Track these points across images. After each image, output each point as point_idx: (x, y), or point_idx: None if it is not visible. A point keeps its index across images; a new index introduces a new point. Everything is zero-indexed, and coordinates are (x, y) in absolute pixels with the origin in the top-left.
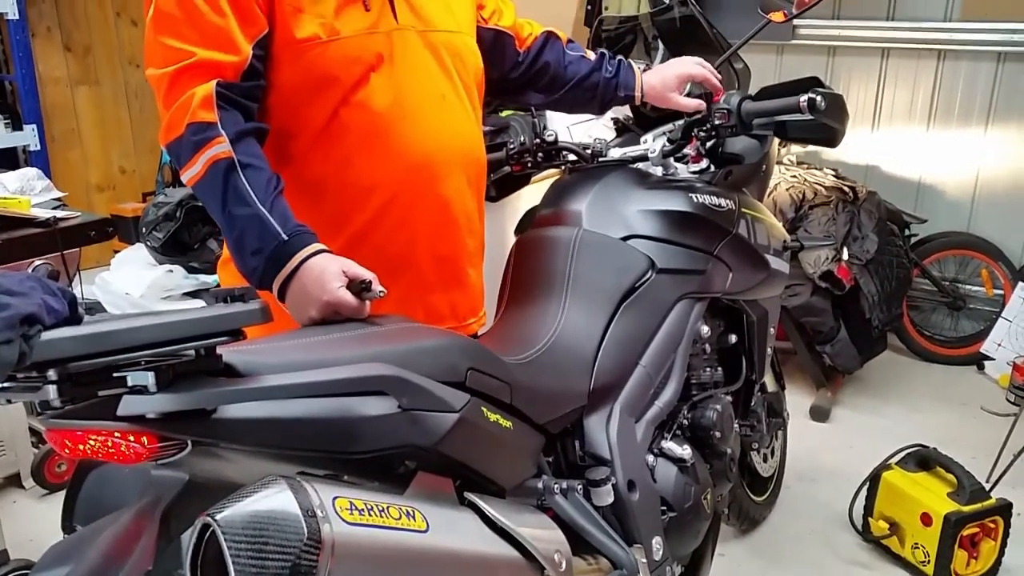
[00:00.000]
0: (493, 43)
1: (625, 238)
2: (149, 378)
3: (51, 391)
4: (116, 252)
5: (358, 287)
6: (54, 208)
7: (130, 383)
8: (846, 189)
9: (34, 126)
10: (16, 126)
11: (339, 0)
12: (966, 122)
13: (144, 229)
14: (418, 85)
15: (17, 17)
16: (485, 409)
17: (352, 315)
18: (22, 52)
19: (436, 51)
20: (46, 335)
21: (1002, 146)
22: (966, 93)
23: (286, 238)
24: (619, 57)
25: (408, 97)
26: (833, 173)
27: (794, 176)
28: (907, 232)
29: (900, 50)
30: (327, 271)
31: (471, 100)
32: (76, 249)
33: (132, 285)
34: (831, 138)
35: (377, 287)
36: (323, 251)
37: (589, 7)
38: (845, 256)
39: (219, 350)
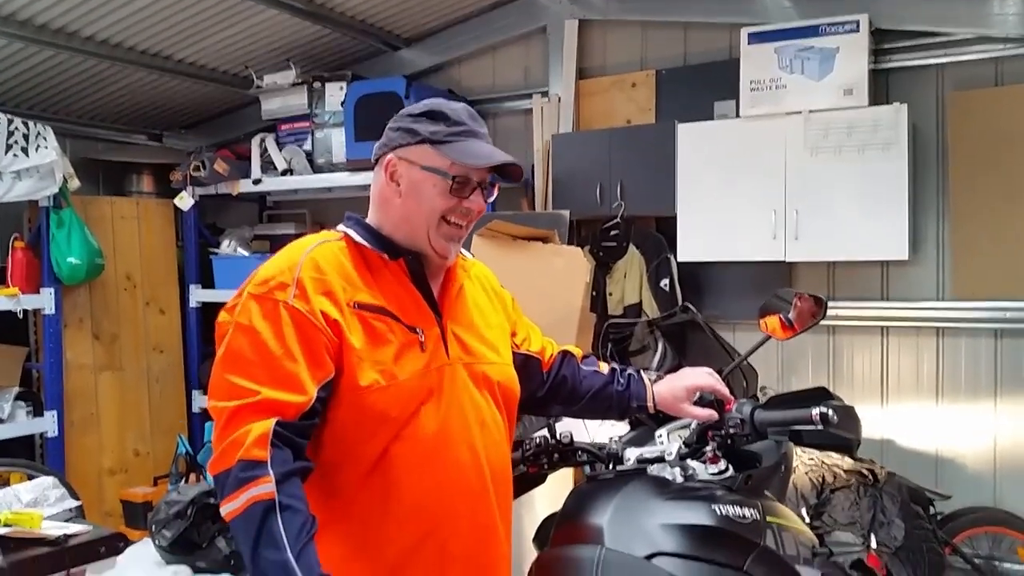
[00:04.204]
0: (523, 366)
1: (649, 556)
2: None
3: None
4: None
5: None
6: (67, 519)
7: None
8: (865, 472)
9: (55, 412)
10: (37, 412)
11: (399, 346)
12: (975, 395)
13: (154, 527)
14: (461, 412)
15: (53, 312)
16: None
17: None
18: (53, 343)
19: (478, 380)
20: None
21: (1016, 418)
22: (970, 367)
23: None
24: (629, 371)
25: (452, 423)
26: (849, 455)
27: (811, 459)
28: (932, 510)
29: (899, 328)
30: None
31: (507, 423)
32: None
33: None
34: (847, 446)
35: None
36: None
37: (594, 294)
38: (874, 544)
39: None
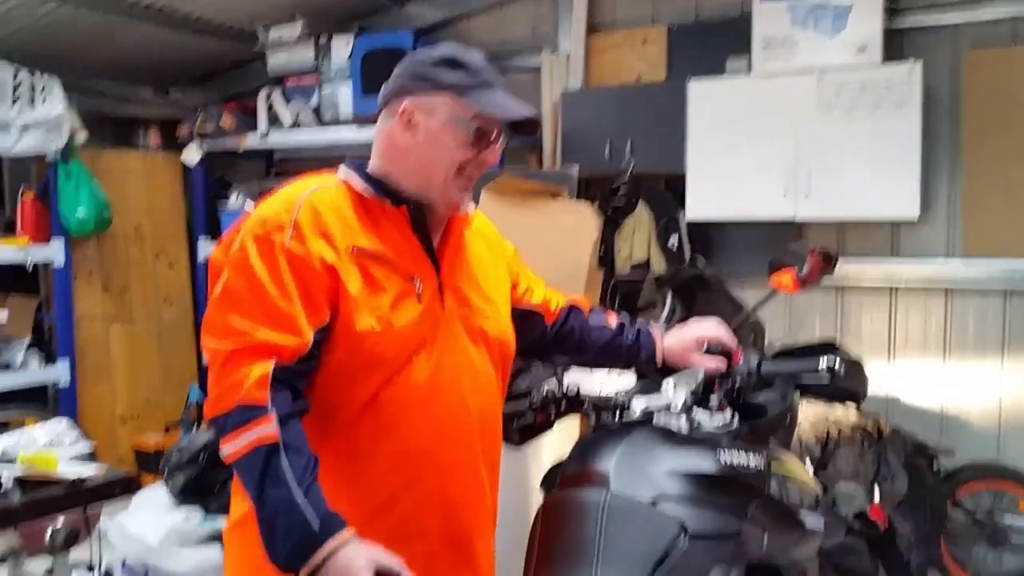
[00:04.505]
0: (524, 319)
1: (654, 501)
2: None
3: None
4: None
5: None
6: (82, 461)
7: None
8: (870, 427)
9: (67, 361)
10: (49, 361)
11: (396, 295)
12: (982, 354)
13: (166, 472)
14: (454, 363)
15: (63, 265)
16: None
17: None
18: (63, 294)
19: (474, 334)
20: None
21: (1022, 377)
22: (978, 327)
23: (317, 528)
24: (639, 324)
25: (444, 373)
26: (855, 408)
27: (816, 413)
28: (936, 466)
29: (908, 289)
30: (354, 561)
31: (500, 378)
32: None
33: (150, 531)
34: (853, 399)
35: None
36: (351, 541)
37: (603, 253)
38: (876, 496)
39: None
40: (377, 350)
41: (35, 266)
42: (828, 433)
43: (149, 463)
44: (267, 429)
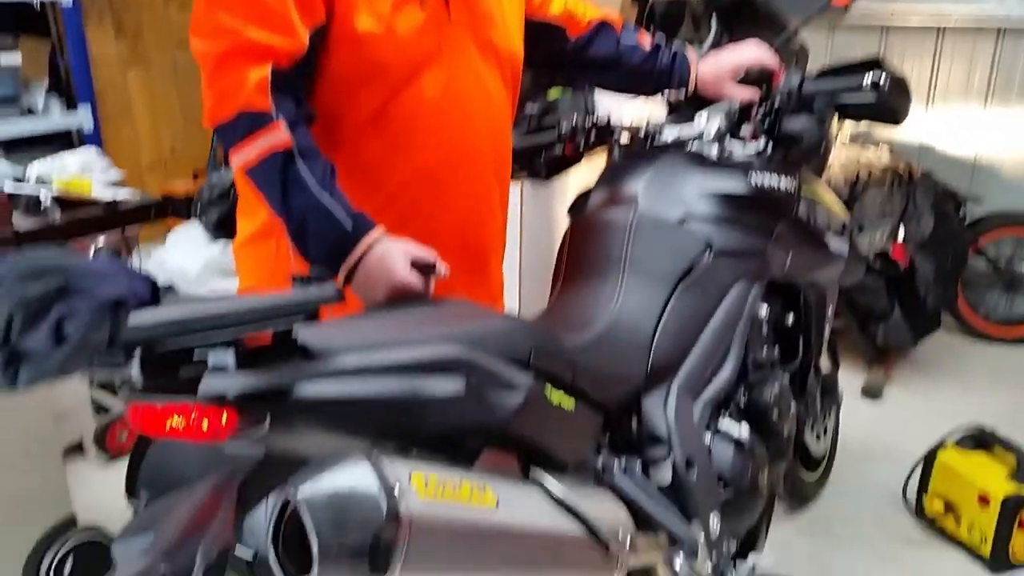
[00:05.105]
0: (543, 33)
1: (682, 220)
2: (229, 358)
3: (134, 370)
4: (169, 228)
5: (423, 268)
6: (114, 187)
7: (211, 363)
8: (901, 169)
9: (88, 106)
10: (70, 107)
11: None
12: None
13: (199, 208)
14: (466, 80)
15: (71, 4)
16: (549, 389)
17: (418, 296)
18: (75, 36)
19: (485, 48)
20: (133, 318)
21: None
22: None
23: (349, 227)
24: (675, 47)
25: (456, 90)
26: (887, 151)
27: (848, 155)
28: (963, 212)
29: (956, 29)
30: (391, 255)
31: (511, 97)
32: (136, 227)
33: (188, 263)
34: (893, 117)
35: (441, 266)
36: (384, 237)
37: None
38: (901, 236)
39: (295, 330)
40: (378, 56)
41: (42, 6)
42: (858, 175)
43: (180, 209)
44: (279, 136)
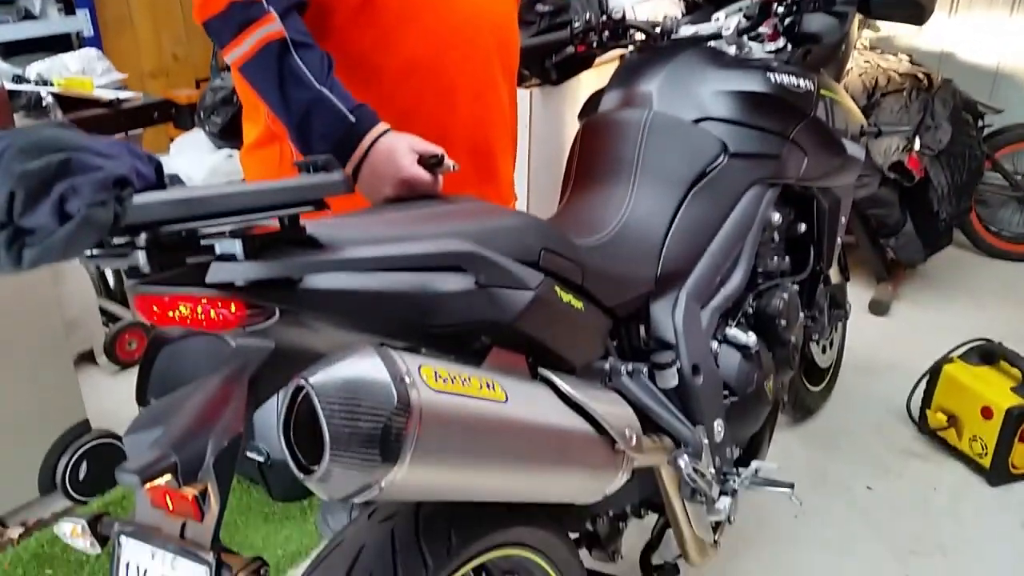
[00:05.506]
0: None
1: (697, 120)
2: (237, 246)
3: (140, 257)
4: (171, 139)
5: (430, 162)
6: (116, 89)
7: (218, 251)
8: (920, 76)
9: (86, 10)
10: (68, 11)
11: None
12: None
13: (202, 114)
14: None
15: None
16: (558, 289)
17: (426, 191)
18: None
19: None
20: (138, 198)
21: None
22: None
23: (353, 120)
24: None
25: None
26: (907, 59)
27: (867, 61)
28: (981, 123)
29: None
30: (397, 149)
31: None
32: (139, 130)
33: (192, 170)
34: (918, 16)
35: (449, 161)
36: (389, 130)
37: None
38: (917, 146)
39: (303, 222)
40: None
41: None
42: (876, 81)
43: (183, 117)
44: (271, 27)
